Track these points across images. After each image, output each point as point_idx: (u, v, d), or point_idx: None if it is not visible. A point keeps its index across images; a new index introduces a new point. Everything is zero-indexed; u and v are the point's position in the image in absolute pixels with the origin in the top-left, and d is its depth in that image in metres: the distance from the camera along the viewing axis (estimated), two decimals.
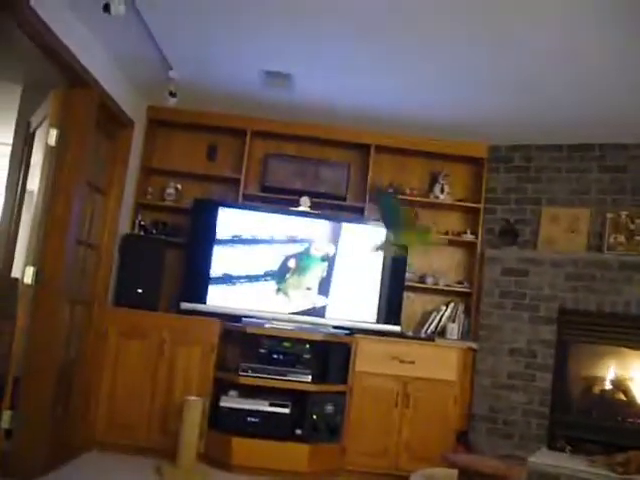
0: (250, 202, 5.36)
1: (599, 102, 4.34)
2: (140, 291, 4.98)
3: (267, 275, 5.05)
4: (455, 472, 3.84)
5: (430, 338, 5.13)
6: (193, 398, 4.51)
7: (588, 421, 4.81)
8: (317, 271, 5.09)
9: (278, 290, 5.05)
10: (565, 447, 4.68)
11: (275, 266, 5.07)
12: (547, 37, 3.52)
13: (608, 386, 4.90)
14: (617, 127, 4.77)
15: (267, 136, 5.52)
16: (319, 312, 5.07)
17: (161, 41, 4.10)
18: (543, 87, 4.21)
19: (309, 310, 5.07)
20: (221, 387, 4.82)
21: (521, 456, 4.49)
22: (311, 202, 5.22)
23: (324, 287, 5.09)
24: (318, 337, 4.87)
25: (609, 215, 4.96)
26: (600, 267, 4.79)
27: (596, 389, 4.93)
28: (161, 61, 4.34)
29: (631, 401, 4.81)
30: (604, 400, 4.88)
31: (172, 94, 4.45)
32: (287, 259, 5.08)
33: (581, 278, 4.83)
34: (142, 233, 5.31)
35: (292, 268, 5.08)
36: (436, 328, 5.29)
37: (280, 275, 5.07)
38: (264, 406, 4.74)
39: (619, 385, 4.87)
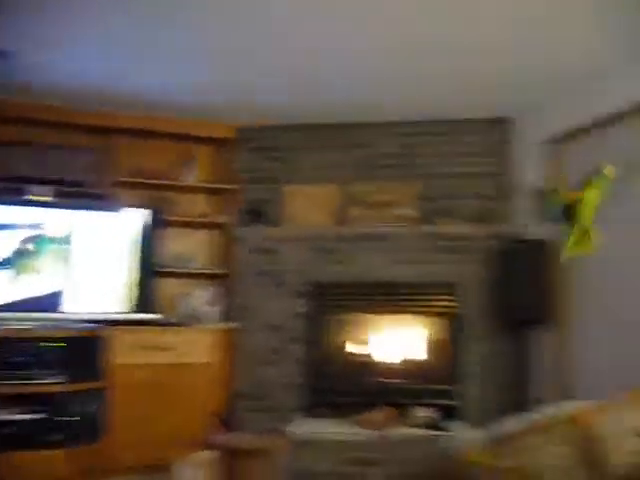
0: None
1: (334, 84, 4.53)
2: None
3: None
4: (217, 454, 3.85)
5: (188, 323, 5.07)
6: None
7: (343, 386, 5.09)
8: (60, 262, 4.77)
9: (15, 281, 4.64)
10: (325, 413, 4.91)
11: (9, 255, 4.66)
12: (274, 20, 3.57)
13: (358, 350, 5.21)
14: (356, 107, 5.01)
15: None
16: (66, 308, 4.74)
17: None
18: (282, 69, 4.29)
19: (54, 306, 4.72)
20: None
21: (282, 428, 4.62)
22: (52, 190, 4.85)
23: (69, 280, 4.78)
24: (67, 334, 4.56)
25: (350, 190, 5.23)
26: (344, 240, 5.06)
27: (348, 355, 5.22)
28: None
29: (379, 362, 5.16)
30: (355, 364, 5.18)
31: None
32: (23, 245, 4.69)
33: (327, 251, 5.07)
34: None
35: (28, 253, 4.70)
36: (193, 312, 5.23)
37: (17, 264, 4.67)
38: (13, 415, 4.35)
39: (367, 348, 5.20)
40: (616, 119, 4.16)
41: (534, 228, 4.81)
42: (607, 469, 2.82)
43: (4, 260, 4.64)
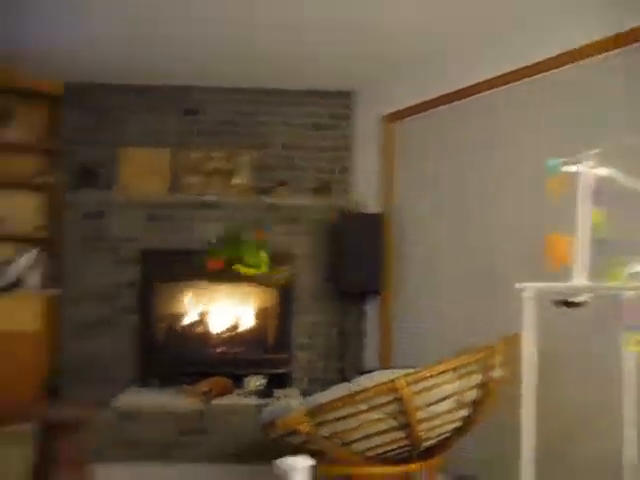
0: None
1: (172, 45, 4.38)
2: None
3: None
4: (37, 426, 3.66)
5: (8, 289, 4.76)
6: None
7: (175, 356, 5.03)
8: None
9: None
10: (156, 384, 4.83)
11: None
12: None
13: (190, 320, 5.15)
14: (193, 70, 4.86)
15: None
16: None
17: None
18: (121, 21, 4.05)
19: None
20: None
21: (108, 398, 4.49)
22: None
23: None
24: None
25: (185, 156, 5.10)
26: (178, 207, 4.96)
27: (180, 324, 5.16)
28: None
29: (211, 332, 5.14)
30: (188, 334, 5.13)
31: None
32: None
33: (161, 218, 4.95)
34: None
35: None
36: (15, 278, 4.91)
37: None
38: None
39: (201, 318, 5.16)
40: (447, 101, 4.35)
41: (371, 202, 4.96)
42: (420, 434, 2.98)
43: None
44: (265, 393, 4.61)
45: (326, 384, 4.80)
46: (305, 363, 4.98)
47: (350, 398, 2.85)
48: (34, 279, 4.90)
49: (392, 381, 2.79)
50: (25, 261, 4.94)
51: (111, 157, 5.10)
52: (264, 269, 4.81)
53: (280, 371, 4.96)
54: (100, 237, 4.93)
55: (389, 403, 2.88)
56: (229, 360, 5.00)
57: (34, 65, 4.78)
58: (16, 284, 4.86)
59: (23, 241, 5.06)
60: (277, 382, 4.85)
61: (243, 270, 4.78)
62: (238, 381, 4.76)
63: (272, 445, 3.86)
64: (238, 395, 4.64)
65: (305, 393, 4.74)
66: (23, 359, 4.63)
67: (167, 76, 5.01)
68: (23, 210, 5.15)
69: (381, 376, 2.98)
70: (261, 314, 5.18)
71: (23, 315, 4.67)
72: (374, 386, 2.84)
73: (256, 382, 4.75)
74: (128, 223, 4.93)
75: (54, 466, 3.49)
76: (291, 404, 3.28)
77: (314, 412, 2.96)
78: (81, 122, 5.15)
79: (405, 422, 2.94)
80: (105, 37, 4.28)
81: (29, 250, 5.01)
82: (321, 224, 5.03)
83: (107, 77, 5.05)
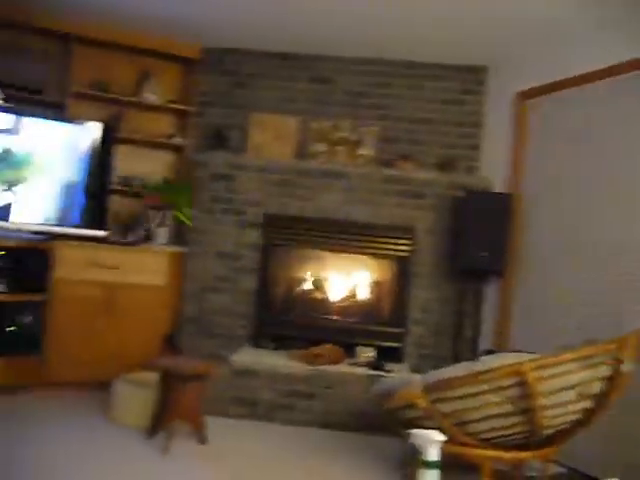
0: None
1: (303, 11, 4.38)
2: None
3: None
4: (158, 375, 3.84)
5: (136, 243, 4.99)
6: None
7: (289, 319, 5.12)
8: (18, 171, 4.61)
9: None
10: (269, 345, 4.95)
11: None
12: None
13: (307, 286, 5.22)
14: (324, 39, 4.89)
15: None
16: (14, 218, 4.60)
17: None
18: None
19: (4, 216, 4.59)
20: None
21: (225, 355, 4.64)
22: (3, 94, 4.65)
23: (21, 189, 4.63)
24: (11, 243, 4.46)
25: (314, 125, 5.15)
26: (303, 174, 5.00)
27: (297, 289, 5.24)
28: None
29: (327, 299, 5.20)
30: (304, 299, 5.21)
31: None
32: None
33: (285, 184, 5.01)
34: None
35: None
36: (145, 233, 5.14)
37: None
38: None
39: (317, 285, 5.22)
40: (586, 81, 4.16)
41: (498, 181, 4.84)
42: (541, 422, 2.91)
43: None
44: (376, 365, 4.63)
45: (437, 361, 4.82)
46: (417, 338, 4.95)
47: (473, 377, 2.82)
48: (162, 235, 5.10)
49: (519, 364, 2.73)
50: (155, 217, 5.15)
51: (242, 121, 5.23)
52: None
53: (392, 344, 4.95)
54: (226, 199, 5.05)
55: (511, 386, 2.83)
56: (342, 329, 5.04)
57: (173, 28, 4.93)
58: (146, 239, 5.08)
59: None
60: (387, 355, 4.85)
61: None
62: (349, 350, 4.79)
63: (380, 417, 3.89)
64: (348, 364, 4.68)
65: (415, 369, 4.74)
66: (150, 311, 4.84)
67: (302, 44, 5.06)
68: (156, 168, 5.38)
69: (506, 358, 2.92)
70: (377, 286, 5.19)
71: (151, 269, 4.87)
72: (499, 367, 2.79)
73: (367, 353, 4.77)
74: (254, 187, 5.02)
75: (171, 412, 3.68)
76: (410, 378, 3.27)
77: (433, 388, 2.94)
78: (215, 86, 5.30)
79: (526, 407, 2.88)
80: (244, 3, 4.36)
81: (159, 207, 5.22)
82: (444, 200, 4.94)
83: (243, 42, 5.14)
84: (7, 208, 4.57)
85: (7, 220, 4.56)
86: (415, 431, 2.66)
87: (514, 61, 4.85)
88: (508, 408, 2.90)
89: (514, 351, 3.63)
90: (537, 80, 4.55)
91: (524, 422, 2.94)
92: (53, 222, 4.71)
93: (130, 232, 5.14)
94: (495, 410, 2.91)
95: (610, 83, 3.97)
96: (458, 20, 4.27)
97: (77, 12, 4.77)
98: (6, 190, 4.56)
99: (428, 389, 2.93)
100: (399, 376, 3.58)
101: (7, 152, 4.55)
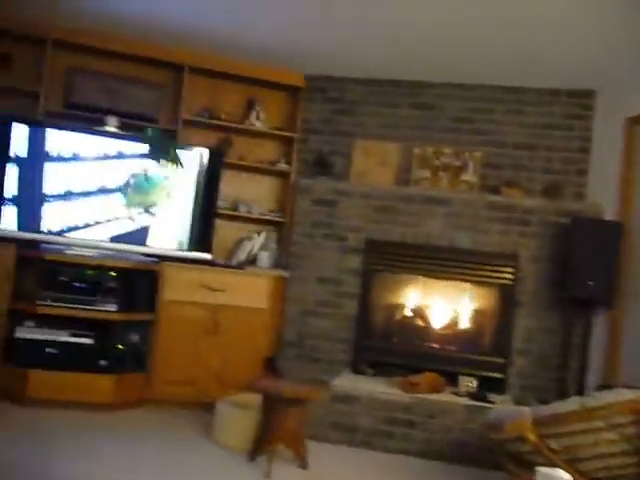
0: (52, 119, 4.91)
1: (408, 40, 4.43)
2: None
3: (82, 195, 4.71)
4: (260, 397, 3.89)
5: (241, 266, 5.11)
6: None
7: (389, 346, 5.10)
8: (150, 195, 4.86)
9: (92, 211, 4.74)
10: (367, 370, 4.93)
11: (87, 187, 4.73)
12: None
13: (408, 313, 5.18)
14: (426, 65, 4.91)
15: (72, 48, 5.03)
16: (129, 239, 4.83)
17: None
18: (363, 24, 4.22)
19: (118, 237, 4.81)
20: (17, 318, 4.49)
21: (326, 380, 4.66)
22: (120, 123, 4.90)
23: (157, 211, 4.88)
24: (123, 265, 4.66)
25: (416, 151, 5.15)
26: (405, 200, 5.00)
27: (397, 316, 5.21)
28: None
29: (428, 327, 5.14)
30: (404, 326, 5.17)
31: None
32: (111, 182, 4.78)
33: (387, 210, 5.02)
34: None
35: (123, 188, 4.79)
36: (248, 256, 5.26)
37: (106, 194, 4.77)
38: (64, 336, 4.51)
39: (418, 312, 5.17)
40: None
41: (607, 208, 4.68)
42: None
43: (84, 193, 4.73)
44: (479, 396, 4.52)
45: (541, 394, 4.66)
46: (520, 369, 4.81)
47: (587, 413, 2.71)
48: (266, 259, 5.20)
49: (637, 401, 2.61)
50: (259, 241, 5.27)
51: (345, 148, 5.30)
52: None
53: (494, 375, 4.83)
54: (328, 224, 5.11)
55: (629, 424, 2.71)
56: (442, 357, 4.97)
57: (278, 58, 5.08)
58: (250, 262, 5.19)
59: (258, 222, 5.40)
60: (489, 385, 4.73)
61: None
62: (449, 379, 4.71)
63: (482, 449, 3.80)
64: (449, 393, 4.60)
65: (518, 400, 4.61)
66: (252, 333, 4.92)
67: (405, 71, 5.08)
68: (261, 193, 5.51)
69: (621, 394, 2.80)
70: (479, 314, 5.09)
71: (254, 293, 4.96)
72: (615, 403, 2.68)
73: (469, 383, 4.68)
74: (356, 212, 5.06)
75: (273, 435, 3.70)
76: (520, 410, 3.18)
77: (544, 422, 2.85)
78: (319, 113, 5.40)
79: None
80: (347, 33, 4.44)
81: (263, 231, 5.33)
82: (550, 227, 4.82)
83: (346, 70, 5.22)
84: (145, 230, 4.84)
85: (144, 244, 4.83)
86: (541, 469, 2.57)
87: (624, 85, 4.70)
88: (624, 447, 2.77)
89: (627, 386, 3.47)
90: None
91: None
92: (163, 245, 4.89)
93: (235, 255, 5.27)
94: (610, 448, 2.79)
95: None
96: (565, 45, 4.19)
97: (189, 43, 4.98)
98: (142, 213, 4.80)
99: (538, 423, 2.85)
100: (509, 408, 3.48)
101: (145, 176, 4.80)
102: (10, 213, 4.59)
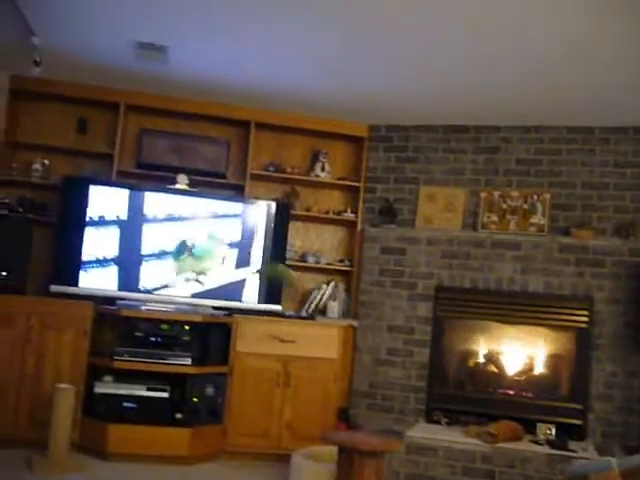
0: (124, 179, 5.12)
1: (471, 87, 4.47)
2: (5, 274, 4.65)
3: (149, 256, 4.87)
4: (336, 449, 3.86)
5: (311, 317, 5.14)
6: (64, 386, 4.27)
7: (463, 393, 5.02)
8: (208, 255, 4.98)
9: (166, 271, 4.88)
10: (442, 419, 4.84)
11: (159, 247, 4.89)
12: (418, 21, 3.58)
13: (481, 359, 5.10)
14: (489, 110, 4.92)
15: (142, 110, 5.28)
16: (202, 294, 4.95)
17: (23, 4, 3.79)
18: (424, 72, 4.30)
19: (195, 292, 4.95)
20: (96, 373, 4.62)
21: (400, 430, 4.60)
22: (189, 180, 5.05)
23: (210, 268, 4.98)
24: (197, 319, 4.74)
25: (483, 195, 5.13)
26: (474, 245, 4.96)
27: (470, 362, 5.13)
28: (23, 26, 4.02)
29: (502, 373, 5.04)
30: (478, 373, 5.09)
31: (36, 63, 4.13)
32: (181, 241, 4.94)
33: (456, 256, 4.99)
34: (6, 212, 4.94)
35: (186, 249, 4.93)
36: (317, 307, 5.29)
37: (173, 255, 4.92)
38: (141, 391, 4.60)
39: (491, 358, 5.08)
40: None
41: None
42: None
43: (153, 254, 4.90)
44: (559, 444, 4.38)
45: (624, 441, 4.49)
46: (601, 415, 4.65)
47: None
48: (335, 308, 5.22)
49: None
50: (328, 291, 5.30)
51: (410, 195, 5.32)
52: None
53: (573, 421, 4.68)
54: (396, 271, 5.10)
55: None
56: (518, 404, 4.84)
57: (342, 109, 5.17)
58: (320, 312, 5.22)
59: (326, 272, 5.44)
60: (568, 432, 4.58)
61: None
62: (525, 427, 4.58)
63: None
64: (528, 442, 4.47)
65: (600, 448, 4.45)
66: (323, 384, 4.91)
67: (468, 116, 5.10)
68: (328, 243, 5.56)
69: None
70: (555, 359, 4.96)
71: (324, 343, 4.96)
72: None
73: (546, 430, 4.54)
74: (424, 259, 5.05)
75: None
76: (606, 461, 3.07)
77: (630, 474, 2.74)
78: (384, 161, 5.44)
79: None
80: (408, 83, 4.53)
81: (332, 281, 5.36)
82: (625, 266, 4.69)
83: (408, 119, 5.28)
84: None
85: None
86: None
87: None
88: None
89: None
90: None
91: None
92: (235, 297, 4.98)
93: (304, 306, 5.31)
94: None
95: None
96: (629, 80, 4.14)
97: (254, 102, 5.14)
98: (191, 280, 4.92)
99: (626, 475, 2.73)
100: (594, 459, 3.36)
101: (193, 244, 4.95)
102: (89, 273, 4.77)
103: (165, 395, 4.62)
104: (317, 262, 5.38)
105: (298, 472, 4.10)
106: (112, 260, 4.81)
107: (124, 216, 4.84)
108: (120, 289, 4.81)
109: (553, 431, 4.53)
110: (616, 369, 4.67)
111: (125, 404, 4.55)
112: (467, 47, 3.86)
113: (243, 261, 5.02)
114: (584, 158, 5.07)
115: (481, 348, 5.11)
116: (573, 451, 4.27)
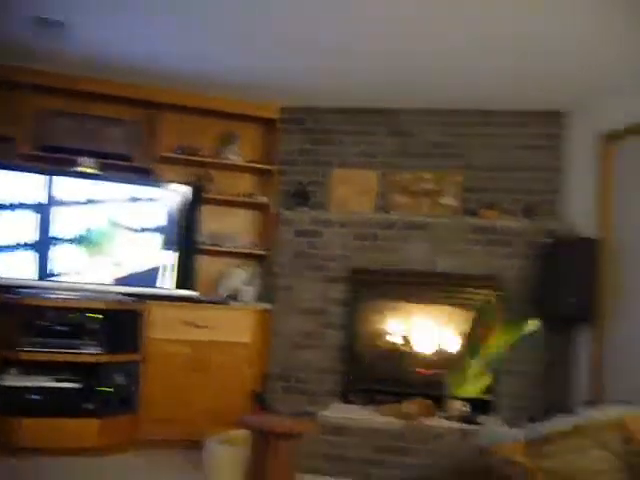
0: (27, 162, 4.89)
1: (388, 68, 4.48)
2: None
3: (52, 242, 4.69)
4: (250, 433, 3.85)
5: (225, 301, 5.08)
6: None
7: (377, 374, 5.07)
8: (112, 238, 4.83)
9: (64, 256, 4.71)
10: (357, 400, 4.89)
11: (68, 232, 4.72)
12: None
13: (394, 339, 5.17)
14: (401, 93, 4.95)
15: (44, 90, 5.00)
16: (116, 281, 4.83)
17: None
18: (341, 54, 4.29)
19: (108, 279, 4.82)
20: (1, 366, 4.42)
21: (315, 412, 4.61)
22: (95, 163, 4.88)
23: (115, 254, 4.84)
24: (105, 306, 4.60)
25: (394, 177, 5.18)
26: (386, 227, 5.02)
27: (384, 343, 5.19)
28: None
29: (415, 352, 5.12)
30: (391, 353, 5.15)
31: None
32: (90, 226, 4.78)
33: (369, 238, 5.03)
34: None
35: (95, 235, 4.78)
36: (232, 291, 5.23)
37: (83, 241, 4.76)
38: (49, 382, 4.43)
39: (404, 338, 5.16)
40: None
41: (584, 226, 4.72)
42: None
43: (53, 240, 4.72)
44: (469, 419, 4.50)
45: (530, 413, 4.65)
46: (508, 390, 4.81)
47: (575, 432, 2.70)
48: (249, 293, 5.18)
49: (627, 418, 2.61)
50: (241, 275, 5.25)
51: (324, 177, 5.31)
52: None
53: (482, 396, 4.81)
54: (310, 254, 5.10)
55: (618, 441, 2.70)
56: (431, 382, 4.94)
57: (252, 91, 5.11)
58: (233, 297, 5.16)
59: (240, 256, 5.38)
60: (478, 408, 4.71)
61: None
62: (438, 403, 4.68)
63: (478, 473, 3.76)
64: (440, 418, 4.57)
65: (508, 421, 4.59)
66: (238, 369, 4.89)
67: (379, 100, 5.12)
68: (241, 226, 5.50)
69: (611, 410, 2.80)
70: (464, 336, 5.08)
71: (238, 327, 4.94)
72: (602, 420, 2.67)
73: (458, 406, 4.65)
74: (338, 242, 5.07)
75: (264, 472, 3.65)
76: (511, 432, 3.17)
77: (534, 443, 2.83)
78: (296, 144, 5.41)
79: (636, 466, 2.73)
80: (320, 68, 4.53)
81: (245, 265, 5.32)
82: (529, 247, 4.85)
83: (321, 100, 5.25)
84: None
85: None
86: None
87: (595, 102, 4.75)
88: (615, 464, 2.76)
89: (615, 402, 3.48)
90: (622, 122, 4.45)
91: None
92: (145, 283, 4.86)
93: (217, 291, 5.24)
94: (602, 466, 2.78)
95: None
96: (536, 66, 4.25)
97: (164, 83, 5.02)
98: (104, 267, 4.78)
99: (529, 444, 2.83)
100: (500, 430, 3.46)
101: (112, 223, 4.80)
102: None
103: (74, 385, 4.47)
104: (232, 246, 5.31)
105: (211, 457, 4.06)
106: (18, 246, 4.61)
107: (29, 201, 4.63)
108: (28, 277, 4.62)
109: (465, 407, 4.64)
110: (521, 345, 4.81)
111: (32, 397, 4.37)
112: (380, 33, 3.88)
113: (157, 246, 4.91)
114: (490, 141, 5.18)
115: (394, 328, 5.17)
116: (483, 425, 4.39)
